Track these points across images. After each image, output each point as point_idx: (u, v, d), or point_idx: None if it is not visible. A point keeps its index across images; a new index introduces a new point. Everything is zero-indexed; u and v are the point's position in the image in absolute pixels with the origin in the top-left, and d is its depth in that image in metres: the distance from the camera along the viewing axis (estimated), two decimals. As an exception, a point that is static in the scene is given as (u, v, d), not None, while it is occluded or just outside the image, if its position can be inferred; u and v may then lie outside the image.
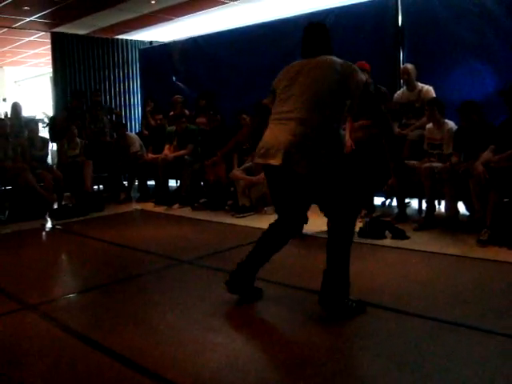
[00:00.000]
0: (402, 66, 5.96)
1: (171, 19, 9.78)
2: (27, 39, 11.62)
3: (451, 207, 4.87)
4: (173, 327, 2.88)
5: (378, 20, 6.32)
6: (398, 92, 5.84)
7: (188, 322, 2.93)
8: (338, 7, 6.99)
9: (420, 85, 5.63)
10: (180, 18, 9.73)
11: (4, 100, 16.50)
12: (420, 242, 4.51)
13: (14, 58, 14.66)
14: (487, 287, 3.37)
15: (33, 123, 7.43)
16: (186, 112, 7.85)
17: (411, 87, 5.65)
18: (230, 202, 6.38)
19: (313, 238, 4.70)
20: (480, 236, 4.32)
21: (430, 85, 5.60)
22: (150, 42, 10.84)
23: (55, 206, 6.69)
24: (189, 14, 9.38)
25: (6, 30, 10.47)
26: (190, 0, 8.45)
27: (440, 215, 5.18)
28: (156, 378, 2.30)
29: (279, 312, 3.08)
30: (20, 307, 3.29)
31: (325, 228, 3.04)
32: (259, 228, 5.13)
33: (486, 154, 4.53)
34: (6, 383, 2.32)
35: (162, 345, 2.63)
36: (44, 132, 9.10)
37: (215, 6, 8.93)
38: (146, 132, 8.31)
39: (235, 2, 8.70)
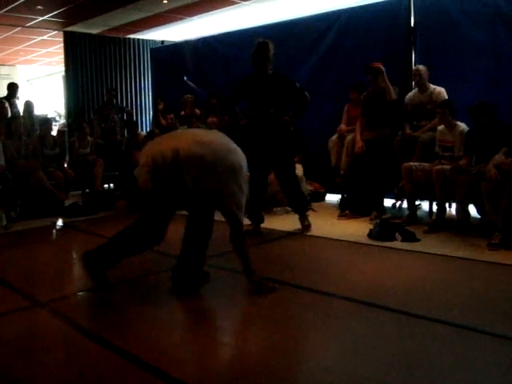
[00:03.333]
0: (413, 67, 5.93)
1: (183, 19, 9.79)
2: (40, 38, 11.70)
3: (462, 210, 4.83)
4: (181, 326, 2.89)
5: (390, 21, 6.28)
6: (410, 93, 5.80)
7: (196, 321, 2.94)
8: (350, 8, 6.97)
9: (432, 86, 5.59)
10: (192, 18, 9.75)
11: (17, 98, 16.62)
12: (430, 244, 4.48)
13: (27, 57, 14.76)
14: (498, 291, 3.34)
15: (46, 122, 7.46)
16: (197, 111, 7.86)
17: (423, 89, 5.61)
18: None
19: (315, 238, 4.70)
20: (491, 239, 4.29)
21: (442, 86, 5.57)
22: (162, 42, 10.88)
23: (66, 204, 6.72)
24: (200, 13, 9.39)
25: (19, 28, 10.55)
26: (202, 0, 8.46)
27: (451, 218, 5.14)
28: (164, 376, 2.31)
29: (290, 312, 3.08)
30: (31, 304, 3.32)
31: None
32: (268, 228, 5.17)
33: (499, 157, 4.49)
34: (17, 379, 2.34)
35: (171, 344, 2.64)
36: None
37: (227, 6, 8.94)
38: (157, 131, 8.33)
39: (247, 2, 8.70)
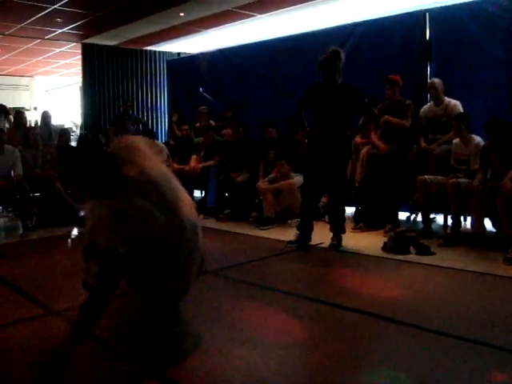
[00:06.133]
0: (429, 80, 5.92)
1: (199, 31, 9.89)
2: (59, 50, 11.89)
3: (477, 223, 4.79)
4: (194, 338, 2.88)
5: (405, 34, 6.29)
6: (425, 106, 5.78)
7: (209, 332, 2.94)
8: (365, 21, 7.00)
9: (447, 99, 5.57)
10: (208, 30, 9.85)
11: (35, 109, 16.89)
12: (445, 258, 4.44)
13: (46, 68, 15.00)
14: (514, 306, 3.31)
15: (65, 133, 7.55)
16: (212, 123, 7.90)
17: (438, 102, 5.59)
18: (254, 214, 6.38)
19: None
20: (507, 254, 4.24)
21: (458, 100, 5.54)
22: (178, 54, 10.99)
23: (82, 214, 6.78)
24: (217, 26, 9.49)
25: (39, 41, 10.74)
26: (218, 13, 8.55)
27: (466, 231, 5.10)
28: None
29: (301, 325, 3.07)
30: (45, 313, 3.35)
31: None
32: (283, 241, 5.16)
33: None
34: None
35: (184, 355, 2.63)
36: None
37: (243, 19, 9.02)
38: (172, 142, 8.39)
39: (262, 15, 8.77)
